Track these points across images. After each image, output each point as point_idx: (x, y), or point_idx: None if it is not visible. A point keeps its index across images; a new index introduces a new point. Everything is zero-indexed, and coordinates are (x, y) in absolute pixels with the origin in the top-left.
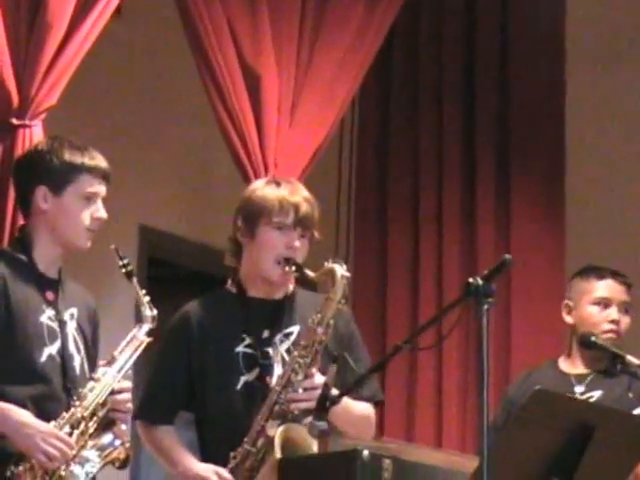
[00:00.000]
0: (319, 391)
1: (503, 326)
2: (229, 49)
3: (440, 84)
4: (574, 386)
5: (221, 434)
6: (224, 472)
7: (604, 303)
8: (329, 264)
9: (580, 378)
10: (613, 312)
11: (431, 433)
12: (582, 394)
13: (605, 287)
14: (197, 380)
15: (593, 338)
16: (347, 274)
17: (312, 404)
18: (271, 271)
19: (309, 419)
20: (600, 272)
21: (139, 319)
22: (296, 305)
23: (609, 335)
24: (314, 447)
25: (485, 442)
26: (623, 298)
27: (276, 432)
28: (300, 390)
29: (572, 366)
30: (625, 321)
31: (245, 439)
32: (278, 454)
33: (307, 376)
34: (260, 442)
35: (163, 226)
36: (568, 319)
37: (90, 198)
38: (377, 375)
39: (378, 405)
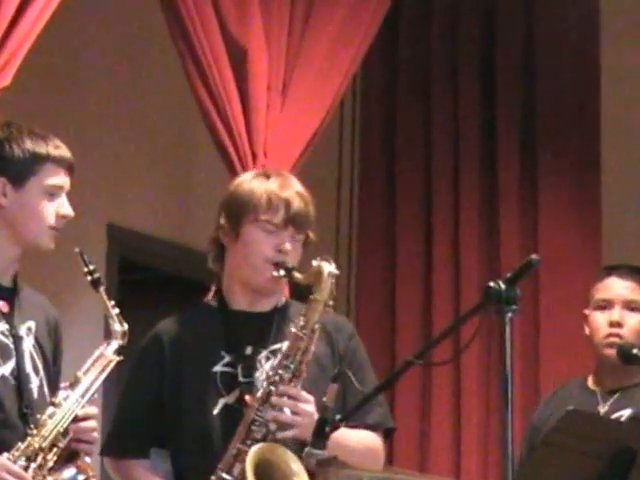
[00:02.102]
0: (306, 406)
1: (530, 337)
2: (211, 19)
3: (455, 55)
4: (598, 405)
5: (198, 464)
6: None
7: (605, 305)
8: (317, 262)
9: (606, 396)
10: (614, 313)
11: (448, 462)
12: (606, 414)
13: (605, 287)
14: (170, 407)
15: (635, 350)
16: (335, 271)
17: (295, 419)
18: (257, 276)
19: (307, 447)
20: (607, 271)
21: (108, 334)
22: (287, 319)
23: (611, 340)
24: (299, 472)
25: (510, 474)
26: (626, 295)
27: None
28: (287, 410)
29: (598, 382)
30: (633, 320)
31: (219, 465)
32: (250, 477)
33: (288, 393)
34: (237, 468)
35: (135, 225)
36: (586, 330)
37: (54, 192)
38: (385, 397)
39: (388, 434)
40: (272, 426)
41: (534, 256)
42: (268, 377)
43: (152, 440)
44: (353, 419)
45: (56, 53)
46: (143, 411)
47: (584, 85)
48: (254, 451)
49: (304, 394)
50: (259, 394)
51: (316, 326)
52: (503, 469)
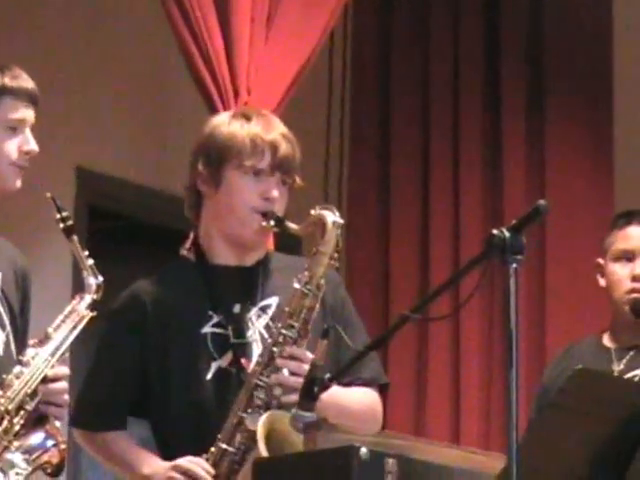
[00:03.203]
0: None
1: (536, 290)
2: None
3: None
4: (612, 363)
5: (188, 436)
6: (203, 462)
7: (626, 257)
8: (317, 211)
9: (621, 353)
10: (638, 266)
11: (446, 426)
12: (621, 373)
13: (626, 236)
14: (155, 373)
15: None
16: (340, 221)
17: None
18: (243, 227)
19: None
20: (626, 218)
21: (80, 287)
22: (272, 271)
23: (634, 296)
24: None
25: (514, 437)
26: None
27: (258, 424)
28: (286, 371)
29: (614, 339)
30: None
31: (219, 436)
32: (263, 451)
33: (294, 354)
34: (238, 438)
35: (106, 168)
36: (601, 282)
37: (16, 127)
38: (378, 353)
39: (382, 390)
40: (277, 391)
41: (541, 202)
42: (271, 337)
43: (130, 409)
44: (345, 376)
45: None
46: (121, 378)
47: (595, 21)
48: (263, 421)
49: (310, 355)
50: (260, 357)
51: (322, 281)
52: (507, 433)
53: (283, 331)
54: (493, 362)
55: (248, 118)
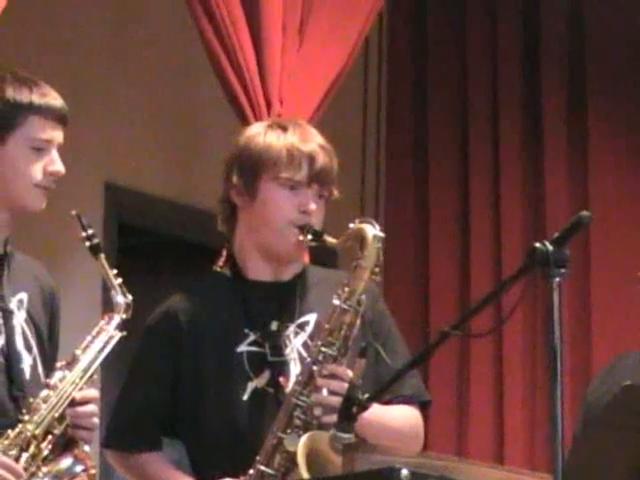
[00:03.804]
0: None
1: (581, 305)
2: None
3: None
4: None
5: (223, 458)
6: None
7: None
8: (356, 224)
9: None
10: None
11: (489, 445)
12: None
13: None
14: (189, 393)
15: None
16: (381, 234)
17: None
18: (280, 241)
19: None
20: None
21: (109, 307)
22: (310, 286)
23: None
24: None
25: (559, 456)
26: None
27: (298, 445)
28: (325, 391)
29: None
30: None
31: (257, 457)
32: (304, 473)
33: (335, 373)
34: (277, 460)
35: (136, 184)
36: None
37: (42, 147)
38: (419, 370)
39: (424, 407)
40: (317, 411)
41: (584, 213)
42: (311, 355)
43: (165, 430)
44: (385, 394)
45: None
46: (156, 398)
47: (637, 10)
48: (304, 443)
49: (351, 373)
50: (300, 376)
51: (362, 297)
52: (552, 451)
53: (323, 349)
54: (537, 378)
55: (284, 128)
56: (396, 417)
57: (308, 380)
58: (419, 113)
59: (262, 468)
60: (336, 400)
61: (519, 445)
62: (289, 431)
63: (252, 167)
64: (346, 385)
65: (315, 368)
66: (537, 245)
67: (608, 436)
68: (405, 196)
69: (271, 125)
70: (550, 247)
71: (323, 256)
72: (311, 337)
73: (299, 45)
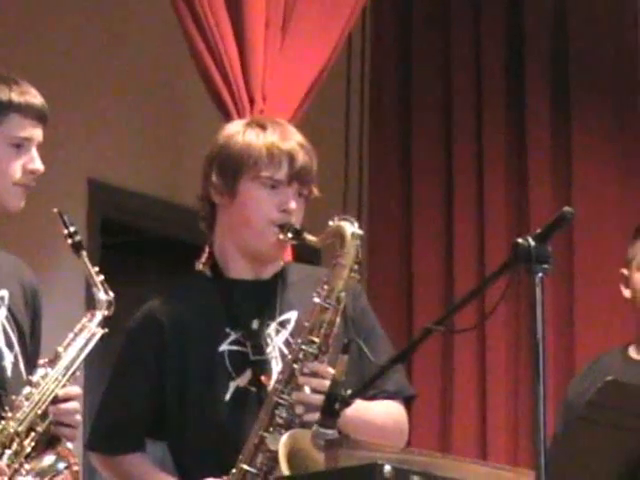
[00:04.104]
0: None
1: (563, 300)
2: None
3: None
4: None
5: (207, 457)
6: None
7: None
8: (335, 222)
9: None
10: None
11: (472, 441)
12: None
13: None
14: (172, 395)
15: None
16: (359, 232)
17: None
18: (260, 240)
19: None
20: None
21: (92, 304)
22: (290, 284)
23: None
24: None
25: (542, 452)
26: None
27: (279, 444)
28: (307, 389)
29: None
30: None
31: (240, 456)
32: (285, 471)
33: (316, 371)
34: (260, 459)
35: (119, 180)
36: (626, 293)
37: (21, 145)
38: (402, 366)
39: (408, 402)
40: (299, 409)
41: (567, 209)
42: (292, 353)
43: (148, 432)
44: (368, 390)
45: None
46: (139, 399)
47: (620, 13)
48: (285, 441)
49: (332, 371)
50: (281, 374)
51: (342, 294)
52: (534, 447)
53: (303, 347)
54: (520, 374)
55: (263, 127)
56: (379, 413)
57: (289, 378)
58: (402, 110)
59: (245, 467)
60: (318, 398)
61: (502, 441)
62: (271, 430)
63: (232, 166)
64: (327, 383)
65: (296, 366)
66: (519, 240)
67: (590, 432)
68: (388, 194)
69: (250, 124)
70: (532, 242)
71: (306, 254)
72: (292, 335)
73: (282, 42)
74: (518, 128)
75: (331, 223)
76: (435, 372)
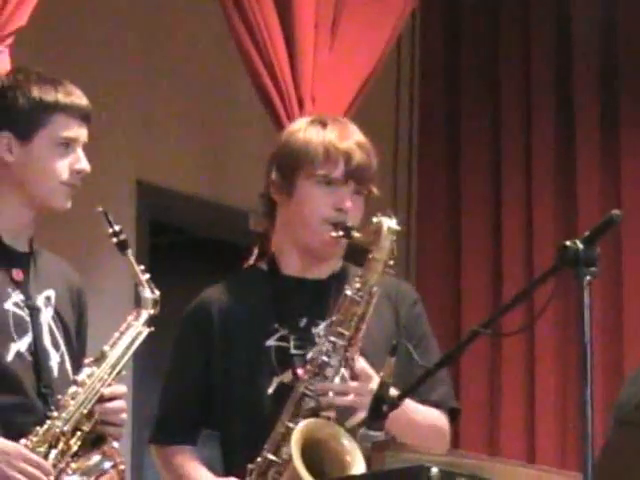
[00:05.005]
0: (365, 386)
1: (612, 304)
2: None
3: None
4: None
5: (250, 451)
6: None
7: None
8: (376, 218)
9: None
10: None
11: (521, 444)
12: None
13: None
14: (219, 386)
15: None
16: (395, 227)
17: (355, 400)
18: (314, 237)
19: (361, 428)
20: None
21: (139, 303)
22: (345, 284)
23: None
24: (351, 449)
25: (590, 455)
26: None
27: (295, 429)
28: (337, 379)
29: None
30: None
31: (265, 446)
32: (296, 456)
33: (345, 361)
34: (284, 449)
35: (167, 182)
36: None
37: (67, 145)
38: (450, 371)
39: (453, 415)
40: (324, 400)
41: (615, 211)
42: (320, 345)
43: (201, 423)
44: (414, 396)
45: None
46: (191, 392)
47: None
48: (299, 429)
49: (359, 364)
50: (310, 366)
51: (374, 289)
52: (583, 451)
53: (332, 339)
54: (569, 377)
55: (324, 124)
56: (425, 416)
57: (318, 370)
58: (452, 111)
59: (269, 456)
60: (342, 388)
61: (551, 444)
62: (298, 420)
63: (290, 164)
64: (358, 369)
65: (325, 359)
66: (567, 244)
67: (637, 436)
68: (437, 194)
69: (313, 121)
70: (580, 246)
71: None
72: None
73: (331, 44)
74: (567, 127)
75: (374, 219)
76: (483, 375)
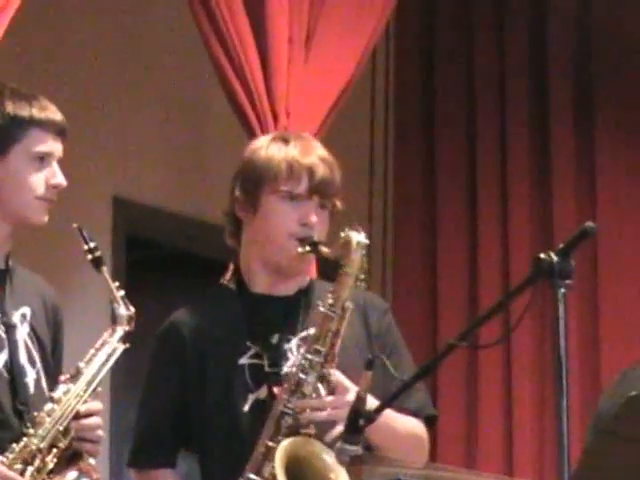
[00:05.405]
0: (342, 398)
1: (589, 315)
2: None
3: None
4: None
5: (227, 468)
6: None
7: None
8: (344, 233)
9: None
10: None
11: (498, 457)
12: None
13: None
14: (195, 406)
15: None
16: (364, 241)
17: (333, 412)
18: (281, 254)
19: (338, 442)
20: None
21: (114, 319)
22: (314, 300)
23: None
24: (334, 466)
25: (566, 467)
26: None
27: (278, 448)
28: (314, 396)
29: None
30: None
31: (247, 466)
32: (280, 475)
33: (322, 377)
34: (267, 468)
35: (144, 197)
36: None
37: (43, 159)
38: (427, 382)
39: (430, 422)
40: (303, 416)
41: (589, 224)
42: (297, 363)
43: (179, 445)
44: (391, 407)
45: (52, 4)
46: (166, 415)
47: None
48: (283, 447)
49: (336, 378)
50: (286, 384)
51: (347, 303)
52: (558, 462)
53: (309, 356)
54: (546, 387)
55: (286, 141)
56: (403, 424)
57: (295, 388)
58: (427, 125)
59: (251, 476)
60: (320, 404)
61: (528, 456)
62: (279, 438)
63: (253, 180)
64: (335, 383)
65: (302, 376)
66: (542, 256)
67: (615, 447)
68: (413, 208)
69: (274, 138)
70: (555, 258)
71: (326, 268)
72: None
73: (305, 58)
74: (542, 140)
75: (342, 234)
76: (460, 387)
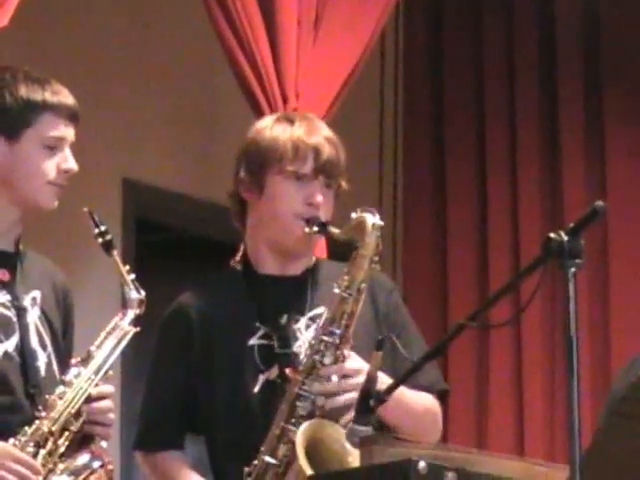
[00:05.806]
0: (356, 379)
1: (599, 294)
2: None
3: None
4: None
5: (237, 450)
6: None
7: None
8: (357, 214)
9: None
10: None
11: (508, 437)
12: None
13: None
14: (203, 388)
15: None
16: (380, 223)
17: (349, 396)
18: (287, 235)
19: (349, 423)
20: None
21: (124, 303)
22: (322, 280)
23: None
24: (355, 453)
25: (576, 447)
26: None
27: (298, 432)
28: (334, 378)
29: None
30: None
31: (262, 448)
32: (302, 460)
33: (337, 359)
34: (281, 450)
35: (153, 180)
36: None
37: (55, 145)
38: (437, 362)
39: (442, 397)
40: (319, 400)
41: (599, 203)
42: (312, 346)
43: (186, 427)
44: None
45: None
46: (173, 397)
47: None
48: (303, 431)
49: (352, 361)
50: (302, 365)
51: (362, 285)
52: (569, 443)
53: (324, 338)
54: (557, 368)
55: (291, 121)
56: (416, 400)
57: (310, 370)
58: (437, 107)
59: (266, 458)
60: (337, 387)
61: (539, 437)
62: (293, 421)
63: (258, 161)
64: (350, 367)
65: (317, 358)
66: (552, 235)
67: (624, 427)
68: (423, 190)
69: (279, 119)
70: (565, 237)
71: (341, 249)
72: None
73: (314, 39)
74: (551, 118)
75: (354, 215)
76: (471, 368)
